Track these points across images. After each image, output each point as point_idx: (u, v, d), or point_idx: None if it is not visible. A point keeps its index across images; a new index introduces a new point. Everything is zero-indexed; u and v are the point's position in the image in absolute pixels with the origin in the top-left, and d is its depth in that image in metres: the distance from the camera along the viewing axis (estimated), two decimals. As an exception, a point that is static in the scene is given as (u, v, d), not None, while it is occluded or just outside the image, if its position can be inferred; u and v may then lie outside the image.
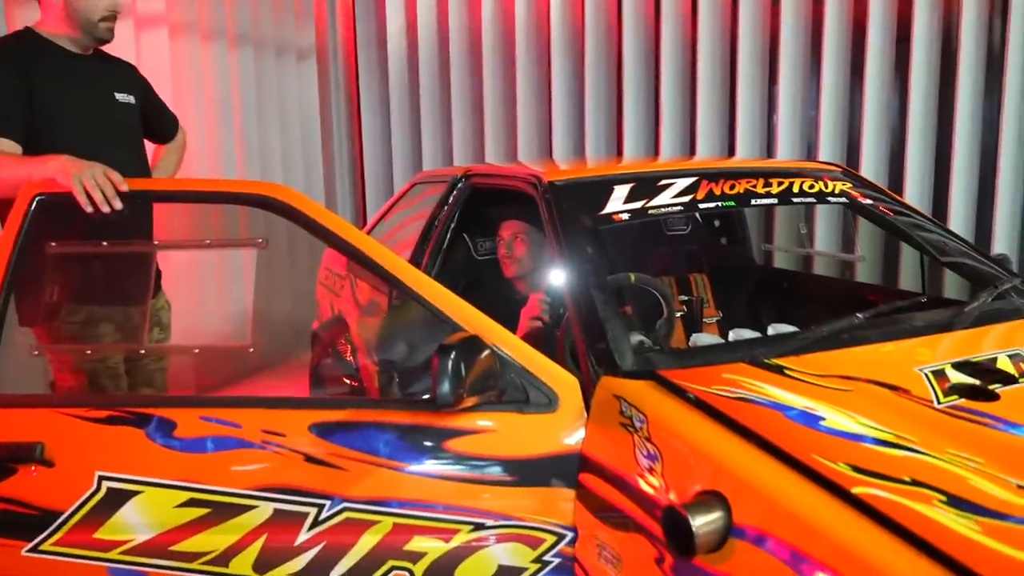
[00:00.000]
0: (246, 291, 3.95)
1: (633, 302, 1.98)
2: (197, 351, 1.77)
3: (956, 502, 1.05)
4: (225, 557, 1.49)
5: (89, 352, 2.01)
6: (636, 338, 1.63)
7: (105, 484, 1.50)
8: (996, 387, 1.37)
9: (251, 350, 1.69)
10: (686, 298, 2.63)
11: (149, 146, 2.35)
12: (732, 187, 2.01)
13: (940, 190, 4.08)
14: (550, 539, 1.46)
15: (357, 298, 2.70)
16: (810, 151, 4.39)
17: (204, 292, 3.90)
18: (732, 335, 1.84)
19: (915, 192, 4.09)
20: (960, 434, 1.24)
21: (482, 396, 1.45)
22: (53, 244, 1.73)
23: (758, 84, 4.42)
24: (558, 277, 1.81)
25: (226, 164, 4.35)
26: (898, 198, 2.34)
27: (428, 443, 1.49)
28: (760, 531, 1.12)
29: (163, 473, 1.51)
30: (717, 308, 2.68)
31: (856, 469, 1.14)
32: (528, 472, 1.47)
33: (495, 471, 1.47)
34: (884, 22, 4.08)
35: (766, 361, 1.51)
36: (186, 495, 1.50)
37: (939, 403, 1.33)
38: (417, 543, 1.46)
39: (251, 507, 1.49)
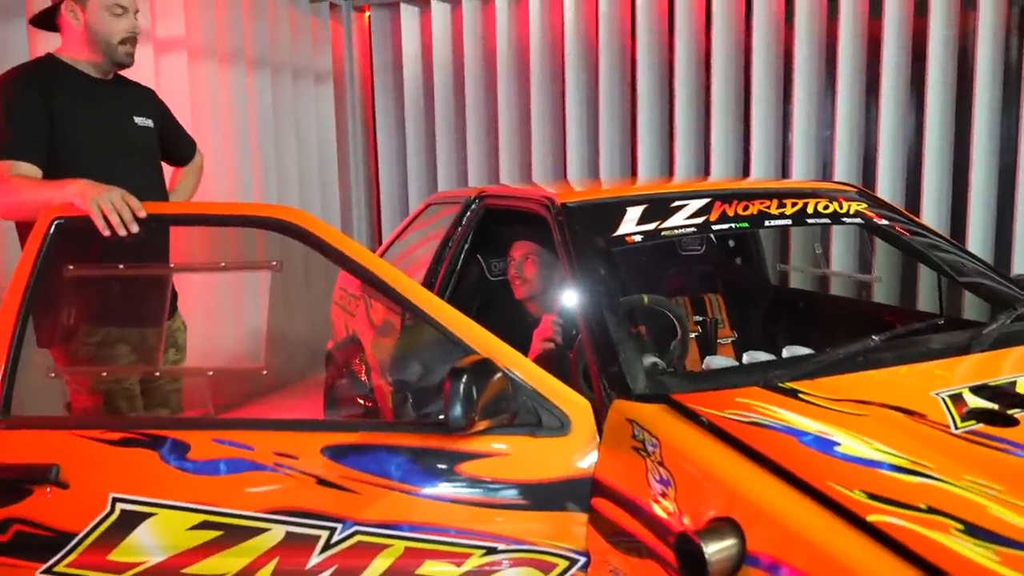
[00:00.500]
0: (261, 312, 3.97)
1: (647, 323, 1.98)
2: (211, 373, 1.78)
3: (974, 531, 1.03)
4: (237, 580, 1.49)
5: (105, 374, 2.02)
6: (650, 360, 1.62)
7: (119, 506, 1.51)
8: (1015, 412, 1.35)
9: (264, 372, 1.69)
10: (701, 319, 2.62)
11: (167, 168, 2.39)
12: (746, 208, 2.00)
13: (958, 209, 4.05)
14: (562, 564, 1.45)
15: (372, 318, 2.71)
16: (826, 170, 4.37)
17: (220, 313, 3.93)
18: (746, 357, 1.83)
19: (932, 211, 4.06)
20: (978, 460, 1.22)
21: (494, 419, 1.44)
22: (71, 267, 1.75)
23: (772, 103, 4.42)
24: (571, 299, 1.80)
25: (243, 186, 4.40)
26: (915, 218, 2.32)
27: (440, 466, 1.48)
28: (774, 559, 1.11)
29: (176, 495, 1.51)
30: (732, 329, 2.67)
31: (871, 496, 1.12)
32: (540, 496, 1.46)
33: (507, 495, 1.47)
34: (899, 40, 4.07)
35: (780, 385, 1.49)
36: (199, 517, 1.50)
37: (956, 428, 1.31)
38: (429, 567, 1.46)
39: (263, 530, 1.49)
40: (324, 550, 1.47)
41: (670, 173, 4.66)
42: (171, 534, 1.50)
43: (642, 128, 4.69)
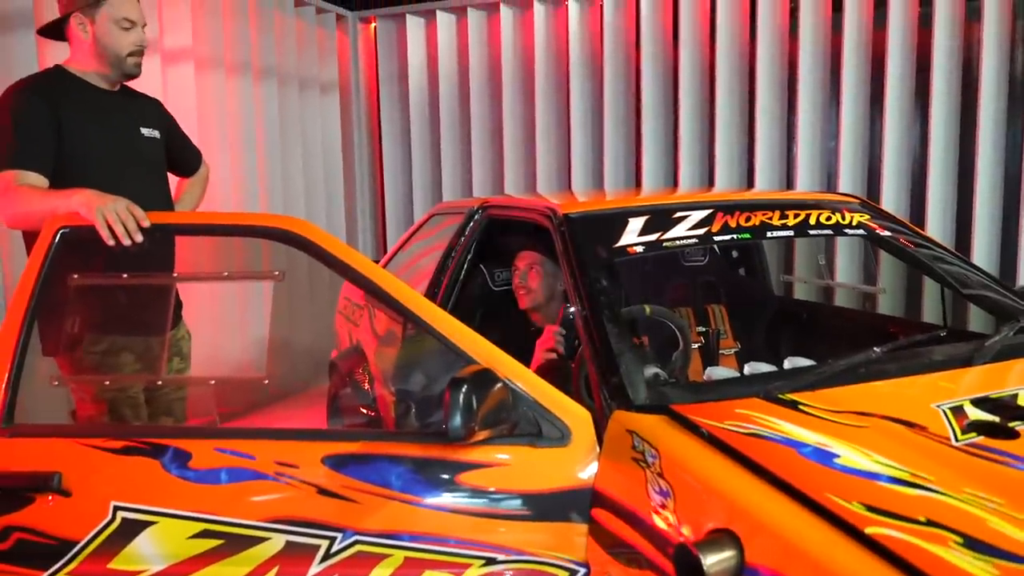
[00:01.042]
0: (265, 322, 3.99)
1: (650, 334, 1.98)
2: (213, 383, 1.79)
3: (973, 544, 1.03)
4: (237, 589, 1.49)
5: (109, 383, 2.03)
6: (651, 370, 1.62)
7: (120, 514, 1.52)
8: (1016, 425, 1.34)
9: (266, 382, 1.70)
10: (703, 330, 2.62)
11: (173, 179, 2.40)
12: (748, 219, 2.01)
13: (963, 219, 4.05)
14: (562, 574, 1.45)
15: (375, 328, 2.72)
16: (830, 181, 4.37)
17: (224, 323, 3.95)
18: (747, 368, 1.83)
19: (937, 221, 4.06)
20: (978, 473, 1.21)
21: (494, 429, 1.44)
22: (76, 276, 1.77)
23: (777, 114, 4.43)
24: (573, 309, 1.81)
25: (249, 196, 4.43)
26: (918, 230, 2.32)
27: (440, 476, 1.49)
28: (773, 571, 1.10)
29: (178, 504, 1.52)
30: (735, 340, 2.66)
31: (870, 508, 1.12)
32: (540, 506, 1.46)
33: (507, 505, 1.47)
34: (903, 51, 4.08)
35: (780, 396, 1.49)
36: (200, 526, 1.50)
37: (957, 441, 1.31)
38: (428, 577, 1.46)
39: (264, 539, 1.49)
40: (324, 559, 1.47)
41: (674, 184, 4.67)
42: (172, 543, 1.51)
43: (646, 139, 4.70)
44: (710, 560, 1.13)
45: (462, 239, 2.46)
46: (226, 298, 4.00)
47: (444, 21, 5.17)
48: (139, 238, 1.70)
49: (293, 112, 4.91)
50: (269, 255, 3.01)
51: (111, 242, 1.69)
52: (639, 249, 1.88)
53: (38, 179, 1.96)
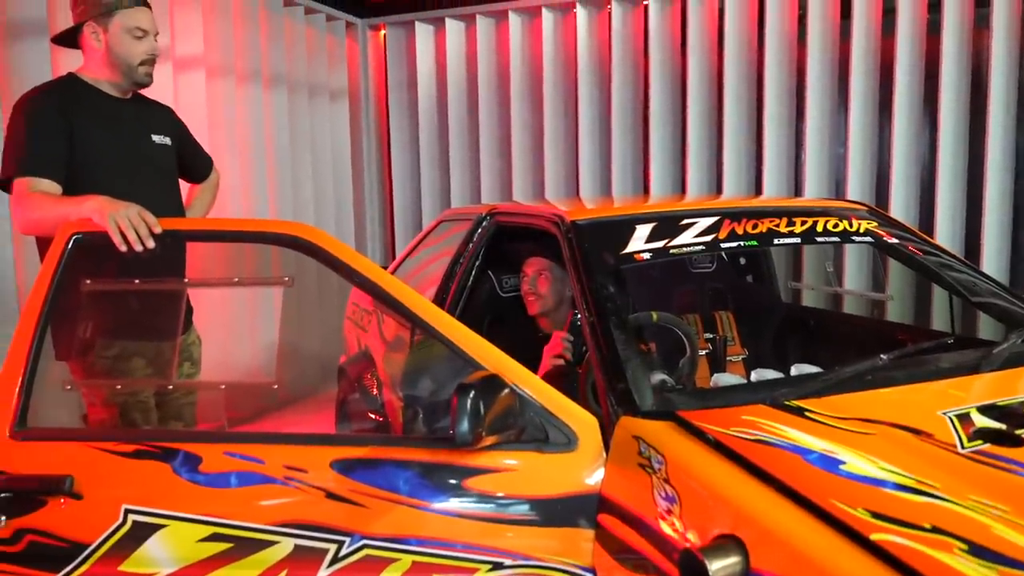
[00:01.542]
0: (274, 327, 4.01)
1: (657, 341, 1.99)
2: (223, 387, 1.80)
3: (978, 551, 1.03)
4: (246, 592, 1.50)
5: (120, 387, 2.05)
6: (658, 377, 1.63)
7: (131, 517, 1.53)
8: (1023, 432, 1.35)
9: (275, 387, 1.72)
10: (711, 336, 2.62)
11: (184, 185, 2.43)
12: (755, 226, 2.01)
13: (972, 226, 4.04)
14: (569, 580, 1.45)
15: (383, 333, 2.73)
16: (838, 188, 4.37)
17: (234, 327, 3.97)
18: (754, 375, 1.83)
19: (947, 228, 4.05)
20: (984, 480, 1.22)
21: (501, 435, 1.45)
22: (88, 281, 1.79)
23: (785, 121, 4.43)
24: (580, 316, 1.82)
25: (259, 202, 4.46)
26: (927, 238, 2.32)
27: (448, 481, 1.49)
28: (778, 577, 1.11)
29: (188, 507, 1.53)
30: (743, 346, 2.67)
31: (875, 515, 1.12)
32: (547, 512, 1.46)
33: (514, 510, 1.47)
34: (912, 58, 4.08)
35: (787, 403, 1.50)
36: (209, 529, 1.52)
37: (963, 448, 1.31)
38: (435, 582, 1.46)
39: (272, 542, 1.50)
40: (332, 563, 1.48)
41: (682, 191, 4.68)
42: (182, 546, 1.52)
43: (654, 146, 4.71)
44: (716, 566, 1.13)
45: (470, 245, 2.47)
46: (236, 303, 4.03)
47: (453, 29, 5.20)
48: (151, 244, 1.72)
49: (303, 119, 4.94)
50: (278, 261, 3.03)
51: (123, 248, 1.70)
52: (646, 256, 1.89)
53: (51, 186, 1.98)
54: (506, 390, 1.46)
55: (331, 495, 1.51)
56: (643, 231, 1.96)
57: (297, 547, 1.49)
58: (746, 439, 1.36)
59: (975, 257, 3.94)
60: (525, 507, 1.47)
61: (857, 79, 4.18)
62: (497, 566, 1.46)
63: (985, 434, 1.35)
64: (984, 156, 3.91)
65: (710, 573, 1.13)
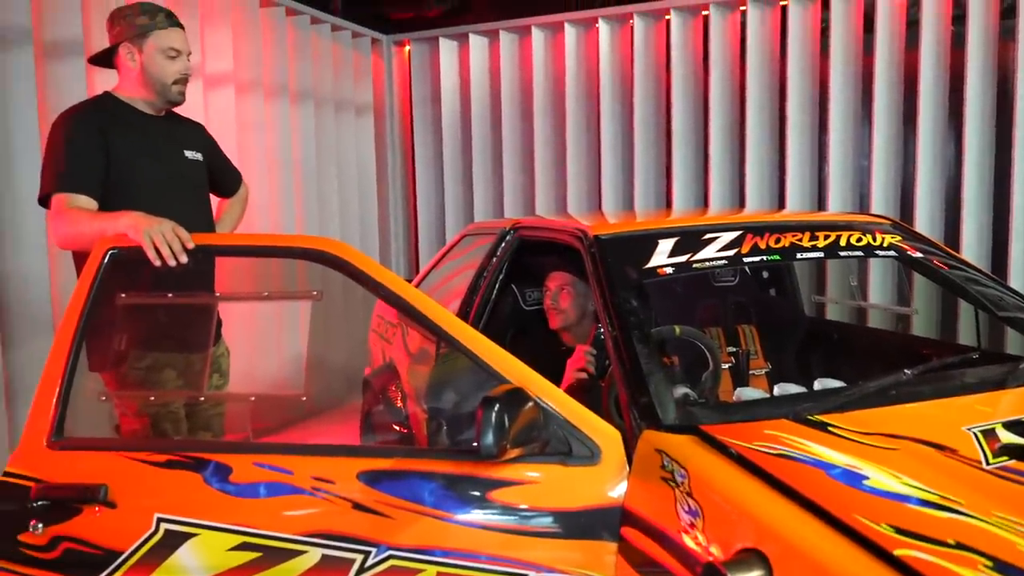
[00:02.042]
0: (301, 340, 4.06)
1: (680, 354, 1.99)
2: (253, 399, 1.84)
3: (1002, 567, 1.03)
4: (274, 601, 1.53)
5: (152, 398, 2.10)
6: (681, 391, 1.63)
7: (163, 526, 1.56)
8: (1049, 448, 1.34)
9: (304, 399, 1.74)
10: (734, 350, 2.62)
11: (213, 199, 2.48)
12: (777, 241, 2.01)
13: (999, 240, 4.00)
14: (591, 593, 1.46)
15: (408, 346, 2.76)
16: (862, 201, 4.34)
17: (262, 340, 4.03)
18: (777, 389, 1.83)
19: (972, 242, 4.01)
20: (1009, 496, 1.21)
21: (525, 448, 1.46)
22: (123, 295, 1.83)
23: (808, 134, 4.42)
24: (603, 330, 1.83)
25: (286, 215, 4.53)
26: (952, 252, 2.31)
27: (472, 493, 1.51)
28: (801, 591, 1.11)
29: (218, 516, 1.56)
30: (766, 360, 2.66)
31: (899, 531, 1.12)
32: (571, 524, 1.48)
33: (538, 522, 1.49)
34: (936, 71, 4.06)
35: (810, 417, 1.50)
36: (239, 539, 1.54)
37: (988, 464, 1.30)
38: (460, 593, 1.48)
39: (300, 552, 1.53)
40: (359, 573, 1.50)
41: (705, 205, 4.67)
42: (212, 554, 1.55)
43: (677, 160, 4.72)
44: (738, 580, 1.14)
45: (494, 259, 2.50)
46: (264, 316, 4.09)
47: (477, 44, 5.25)
48: (184, 259, 1.76)
49: (329, 134, 5.02)
50: (304, 274, 3.08)
51: (157, 263, 1.75)
52: (669, 270, 1.90)
53: (88, 201, 2.04)
54: (530, 403, 1.47)
55: (358, 506, 1.53)
56: (666, 246, 1.97)
57: (324, 557, 1.52)
58: (769, 453, 1.36)
59: (1002, 271, 3.90)
60: (549, 519, 1.48)
61: (881, 92, 4.17)
62: (520, 577, 1.47)
63: (1010, 450, 1.34)
64: (1010, 169, 3.87)
65: (733, 587, 1.13)
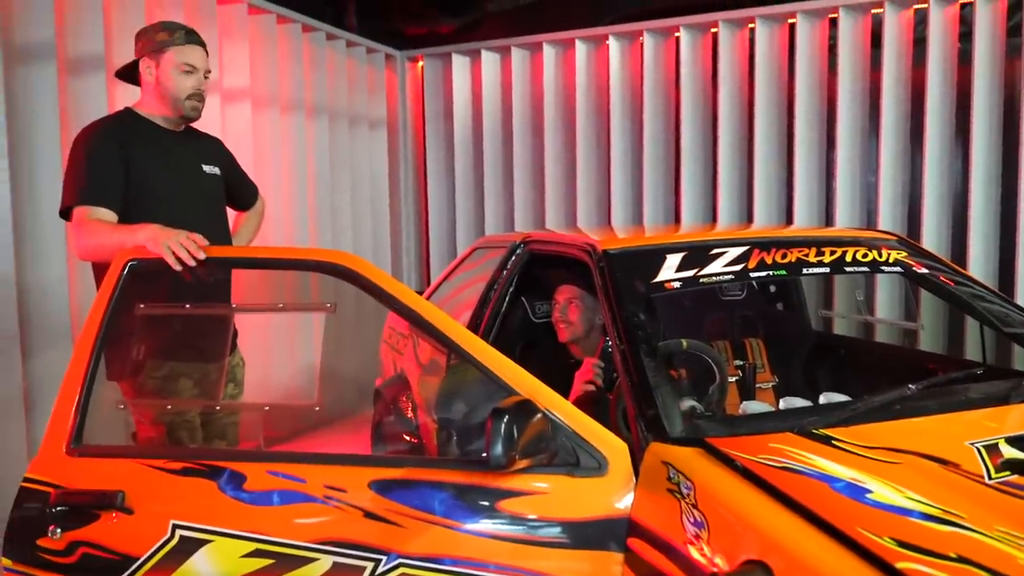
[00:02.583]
0: (315, 350, 4.10)
1: (687, 368, 2.02)
2: (267, 408, 1.87)
3: (1002, 580, 1.05)
4: (286, 608, 1.55)
5: (169, 407, 2.14)
6: (687, 403, 1.66)
7: (179, 532, 1.60)
8: (1051, 464, 1.36)
9: (316, 409, 1.78)
10: (741, 363, 2.64)
11: (231, 212, 2.53)
12: (784, 256, 2.04)
13: (1006, 256, 4.00)
14: (599, 602, 1.48)
15: (419, 357, 2.79)
16: (870, 217, 4.36)
17: (276, 351, 4.08)
18: (783, 403, 1.85)
19: (979, 258, 4.02)
20: (1011, 511, 1.23)
21: (534, 459, 1.49)
22: (142, 305, 1.87)
23: (816, 149, 4.45)
24: (611, 343, 1.86)
25: (299, 229, 4.58)
26: (958, 268, 2.32)
27: (481, 503, 1.53)
28: (804, 602, 1.13)
29: (232, 523, 1.59)
30: (772, 374, 2.68)
31: (901, 544, 1.14)
32: (577, 535, 1.50)
33: (545, 533, 1.51)
34: (943, 87, 4.08)
35: (814, 431, 1.52)
36: (252, 545, 1.58)
37: (990, 479, 1.32)
38: (469, 601, 1.50)
39: (312, 559, 1.55)
40: (369, 581, 1.53)
41: (713, 220, 4.70)
42: (226, 561, 1.58)
43: (686, 176, 4.75)
44: (742, 590, 1.16)
45: (504, 272, 2.53)
46: (278, 327, 4.13)
47: (489, 60, 5.31)
48: (201, 256, 1.80)
49: (343, 148, 5.08)
50: (316, 286, 3.12)
51: (178, 268, 1.79)
52: (676, 285, 1.93)
53: (108, 214, 2.09)
54: (539, 415, 1.50)
55: (369, 514, 1.56)
56: (673, 260, 2.00)
57: (336, 564, 1.54)
58: (774, 466, 1.38)
59: (1009, 287, 3.90)
60: (556, 530, 1.50)
61: (888, 108, 4.19)
62: (528, 587, 1.49)
63: (1013, 465, 1.36)
64: (1017, 185, 3.88)
65: (737, 597, 1.15)
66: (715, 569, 1.27)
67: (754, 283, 2.91)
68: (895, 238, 2.33)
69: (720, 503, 1.34)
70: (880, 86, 4.20)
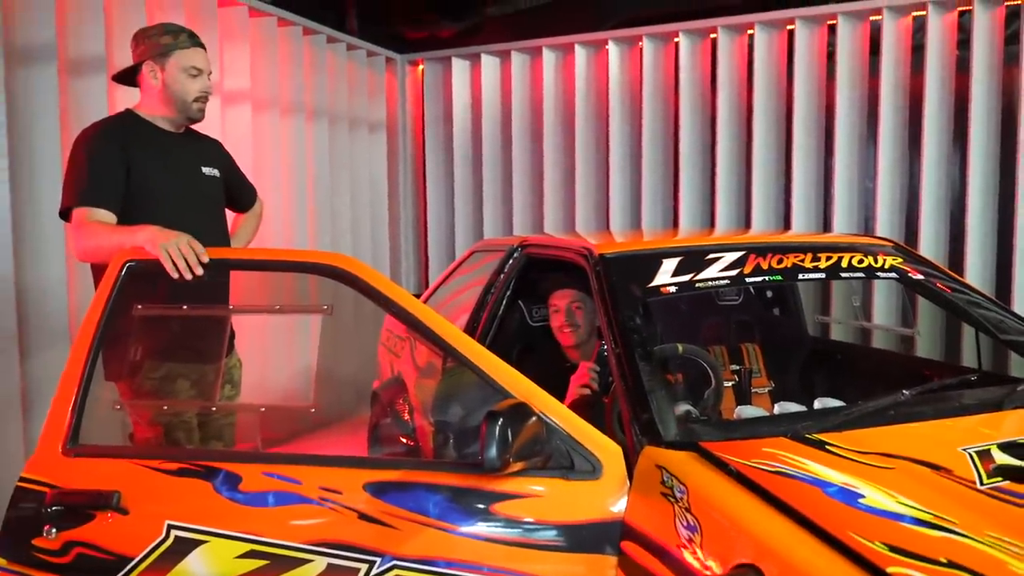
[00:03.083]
0: (312, 352, 4.10)
1: (683, 372, 2.02)
2: (263, 410, 1.88)
3: (992, 585, 1.06)
4: (280, 609, 1.56)
5: (166, 407, 2.14)
6: (682, 407, 1.66)
7: (173, 532, 1.60)
8: (1043, 469, 1.36)
9: (313, 410, 1.78)
10: (737, 368, 2.64)
11: (229, 214, 2.54)
12: (780, 261, 2.04)
13: (1003, 262, 4.01)
14: (592, 605, 1.48)
15: (416, 360, 2.80)
16: (867, 223, 4.37)
17: (273, 352, 4.08)
18: (777, 408, 1.86)
19: (976, 263, 4.03)
20: (1001, 517, 1.23)
21: (528, 461, 1.49)
22: (139, 306, 1.88)
23: (814, 155, 4.46)
24: (607, 347, 1.87)
25: (298, 231, 4.59)
26: (954, 275, 2.33)
27: (476, 505, 1.54)
28: (794, 606, 1.14)
29: (227, 524, 1.59)
30: (768, 378, 2.68)
31: (893, 549, 1.15)
32: (572, 538, 1.50)
33: (540, 535, 1.52)
34: (941, 94, 4.09)
35: (808, 436, 1.53)
36: (247, 546, 1.58)
37: (982, 484, 1.33)
38: (462, 603, 1.51)
39: (307, 561, 1.56)
40: (364, 583, 1.53)
41: (711, 225, 4.71)
42: (220, 561, 1.58)
43: (684, 181, 4.76)
44: (734, 594, 1.17)
45: (501, 276, 2.53)
46: (275, 328, 4.13)
47: (489, 64, 5.33)
48: (199, 271, 1.81)
49: (343, 151, 5.09)
50: (315, 288, 3.12)
51: (175, 275, 1.80)
52: (672, 289, 1.94)
53: (107, 215, 2.09)
54: (534, 418, 1.50)
55: (364, 516, 1.56)
56: (669, 265, 2.00)
57: (330, 566, 1.55)
58: (767, 471, 1.39)
59: (1006, 294, 3.91)
60: (551, 532, 1.51)
61: (886, 115, 4.21)
62: (522, 590, 1.49)
63: (1005, 471, 1.36)
64: (1014, 192, 3.90)
65: (729, 601, 1.16)
66: (708, 573, 1.28)
67: (751, 288, 2.92)
68: (891, 244, 2.34)
69: (713, 507, 1.35)
70: (878, 93, 4.22)
